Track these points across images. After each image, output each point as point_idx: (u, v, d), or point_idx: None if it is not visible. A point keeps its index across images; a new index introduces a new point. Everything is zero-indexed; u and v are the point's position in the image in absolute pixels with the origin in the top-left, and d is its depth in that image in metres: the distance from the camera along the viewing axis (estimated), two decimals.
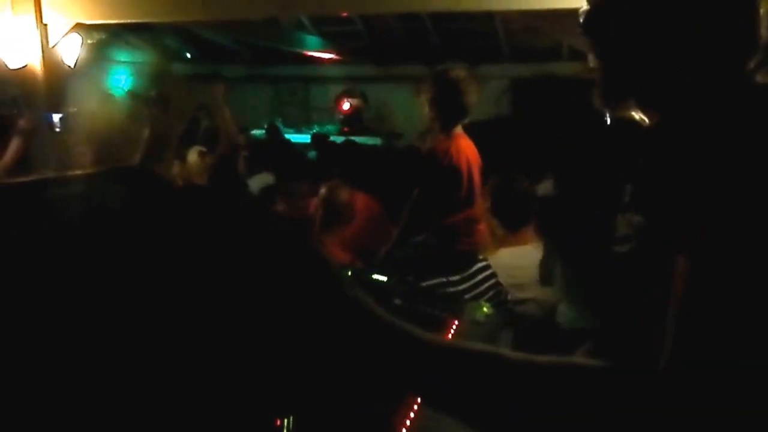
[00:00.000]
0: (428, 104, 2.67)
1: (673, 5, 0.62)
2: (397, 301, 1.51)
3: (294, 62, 7.90)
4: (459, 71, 2.66)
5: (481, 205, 2.63)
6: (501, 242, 2.47)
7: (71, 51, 4.02)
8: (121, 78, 7.22)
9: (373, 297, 0.54)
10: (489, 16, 5.96)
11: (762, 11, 0.62)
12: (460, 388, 0.56)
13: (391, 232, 2.93)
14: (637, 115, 0.68)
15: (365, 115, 8.05)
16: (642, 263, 0.62)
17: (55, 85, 3.81)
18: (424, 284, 2.24)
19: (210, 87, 4.48)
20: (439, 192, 2.67)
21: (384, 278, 1.78)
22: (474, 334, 1.45)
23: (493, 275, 2.39)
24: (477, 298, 2.26)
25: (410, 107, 3.32)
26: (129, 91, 6.64)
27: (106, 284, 0.48)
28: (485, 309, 1.71)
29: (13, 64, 3.69)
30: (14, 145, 3.01)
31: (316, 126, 7.96)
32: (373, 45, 7.15)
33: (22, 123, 3.07)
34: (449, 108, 2.64)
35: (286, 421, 0.73)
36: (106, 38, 5.82)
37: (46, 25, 3.75)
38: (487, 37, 6.70)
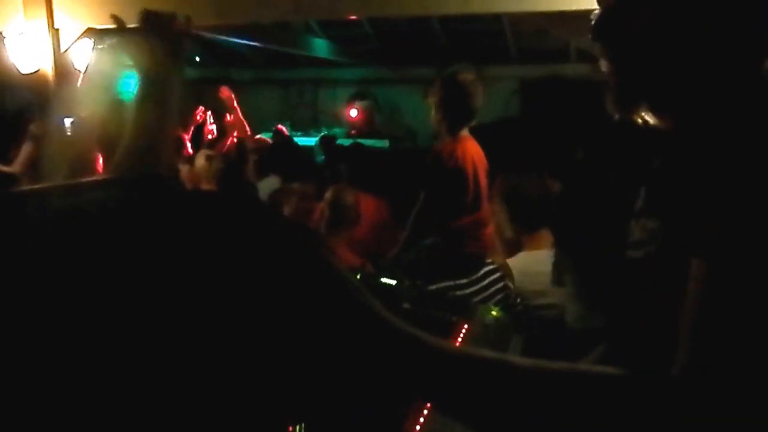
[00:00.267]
0: (435, 107, 2.66)
1: (686, 7, 0.62)
2: (407, 305, 1.50)
3: (303, 65, 7.93)
4: (467, 74, 2.66)
5: (488, 208, 2.62)
6: (515, 246, 2.43)
7: (82, 56, 4.03)
8: (132, 83, 7.25)
9: (382, 301, 0.54)
10: (497, 18, 5.96)
11: None
12: (469, 396, 0.56)
13: (399, 235, 2.93)
14: (648, 118, 0.67)
15: (376, 119, 8.05)
16: (657, 268, 0.62)
17: (66, 90, 3.83)
18: (432, 287, 2.23)
19: (217, 90, 4.50)
20: (445, 194, 2.66)
21: (393, 282, 1.77)
22: (485, 338, 1.44)
23: (502, 278, 2.37)
24: (485, 301, 2.24)
25: (420, 109, 3.32)
26: None
27: (119, 291, 0.48)
28: (495, 312, 1.70)
29: (26, 69, 3.71)
30: (26, 150, 3.02)
31: (324, 129, 7.98)
32: (382, 48, 7.16)
33: (33, 128, 3.08)
34: (456, 111, 2.64)
35: (297, 427, 0.73)
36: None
37: (57, 29, 3.75)
38: (495, 38, 6.70)
